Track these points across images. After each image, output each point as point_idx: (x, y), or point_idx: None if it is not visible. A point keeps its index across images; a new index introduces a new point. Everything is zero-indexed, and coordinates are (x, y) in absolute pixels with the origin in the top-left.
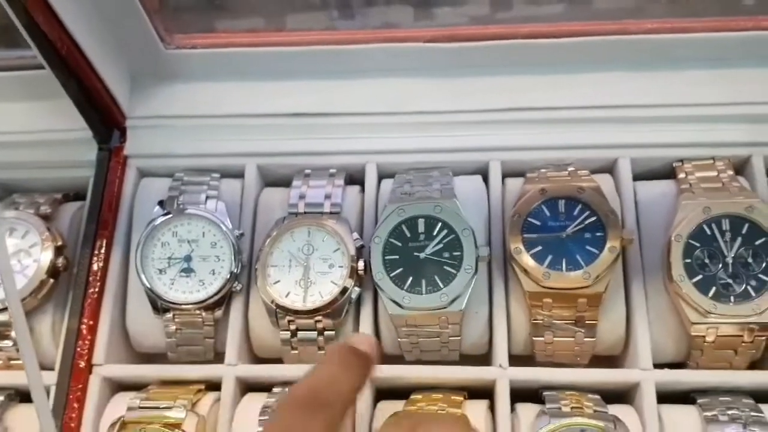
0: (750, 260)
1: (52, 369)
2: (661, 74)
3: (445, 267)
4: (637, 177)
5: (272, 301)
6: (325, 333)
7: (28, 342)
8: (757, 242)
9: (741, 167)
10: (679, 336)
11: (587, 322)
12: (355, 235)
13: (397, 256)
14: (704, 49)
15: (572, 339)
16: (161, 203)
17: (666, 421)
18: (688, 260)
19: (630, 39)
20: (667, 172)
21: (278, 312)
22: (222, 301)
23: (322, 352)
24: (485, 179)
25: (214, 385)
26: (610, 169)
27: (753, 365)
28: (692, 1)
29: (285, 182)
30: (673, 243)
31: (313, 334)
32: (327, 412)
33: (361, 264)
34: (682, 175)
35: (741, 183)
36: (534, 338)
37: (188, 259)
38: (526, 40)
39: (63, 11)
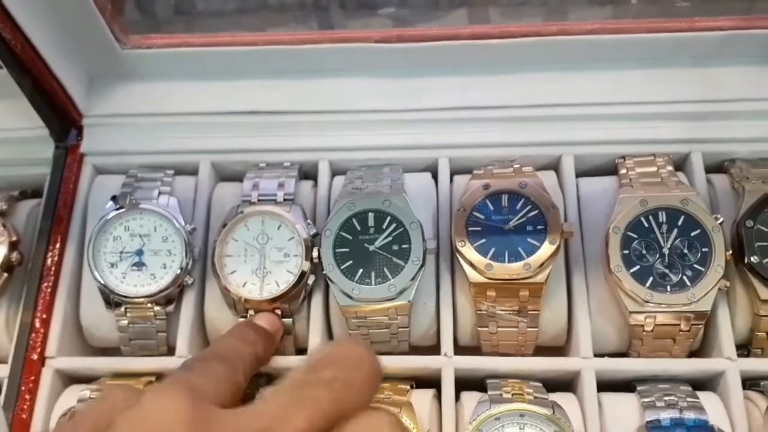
0: (686, 251)
1: (5, 362)
2: (603, 73)
3: (393, 259)
4: (582, 174)
5: (229, 292)
6: (284, 321)
7: None
8: (693, 234)
9: (681, 163)
10: (620, 326)
11: (530, 312)
12: (309, 221)
13: (347, 249)
14: (644, 49)
15: (516, 329)
16: (114, 198)
17: (606, 407)
18: (626, 251)
19: (572, 39)
20: (610, 169)
21: (236, 302)
22: (174, 294)
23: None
24: (434, 176)
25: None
26: (554, 165)
27: (693, 355)
28: (631, 3)
29: (239, 179)
30: (611, 235)
31: None
32: (225, 365)
33: (315, 252)
34: (623, 171)
35: (679, 178)
36: (479, 329)
37: (140, 253)
38: (470, 41)
39: (17, 11)
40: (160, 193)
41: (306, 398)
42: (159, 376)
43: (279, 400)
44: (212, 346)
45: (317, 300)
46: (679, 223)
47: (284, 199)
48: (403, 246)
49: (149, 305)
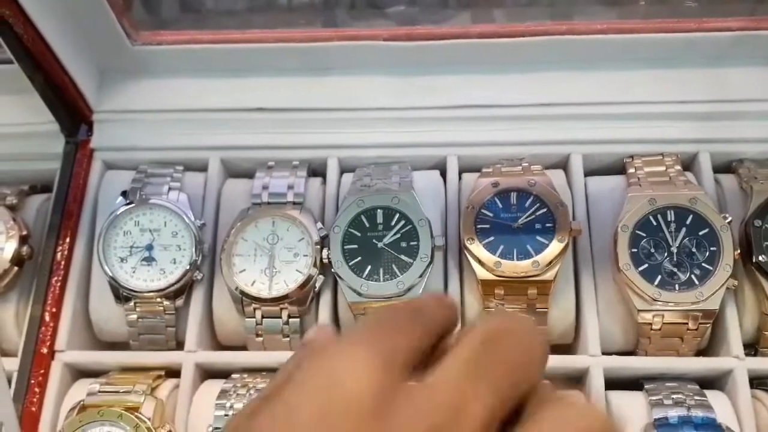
0: (694, 250)
1: (15, 356)
2: (612, 73)
3: (401, 256)
4: (590, 173)
5: (238, 290)
6: (290, 320)
7: None
8: (701, 233)
9: (689, 164)
10: (628, 325)
11: (538, 309)
12: (319, 224)
13: (355, 246)
14: (653, 49)
15: None
16: (124, 194)
17: (613, 405)
18: (635, 250)
19: (581, 39)
20: (618, 168)
21: (244, 300)
22: (183, 289)
23: (287, 339)
24: (443, 174)
25: (174, 373)
26: (563, 164)
27: (700, 354)
28: (639, 4)
29: (248, 175)
30: (620, 233)
31: (278, 321)
32: (420, 326)
33: (325, 253)
34: (631, 170)
35: (687, 177)
36: None
37: (150, 248)
38: (479, 40)
39: (29, 5)
40: (170, 189)
41: (481, 374)
42: (167, 370)
43: (458, 376)
44: (407, 302)
45: (325, 300)
46: (688, 222)
47: (294, 201)
48: (412, 243)
49: (158, 300)
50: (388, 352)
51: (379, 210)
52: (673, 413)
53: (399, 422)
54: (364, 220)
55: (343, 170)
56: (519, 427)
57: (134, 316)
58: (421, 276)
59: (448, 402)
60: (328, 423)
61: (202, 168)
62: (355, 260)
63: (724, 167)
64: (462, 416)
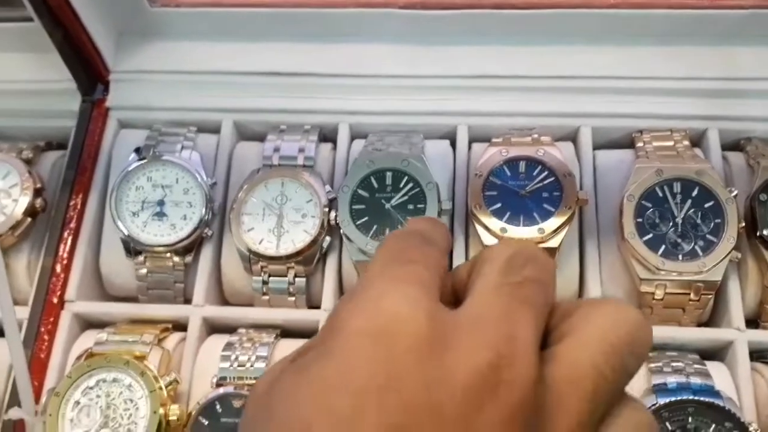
0: (699, 221)
1: (25, 305)
2: (624, 48)
3: (408, 218)
4: (599, 146)
5: (246, 248)
6: (297, 280)
7: (3, 276)
8: (706, 205)
9: (697, 140)
10: (630, 295)
11: None
12: (328, 187)
13: (363, 206)
14: (665, 25)
15: None
16: (138, 150)
17: None
18: (640, 219)
19: (594, 13)
20: (627, 143)
21: (251, 258)
22: (192, 245)
23: (293, 298)
24: (453, 144)
25: (181, 327)
26: (572, 137)
27: (702, 327)
28: None
29: (260, 139)
30: (626, 203)
31: (285, 280)
32: (438, 251)
33: (333, 214)
34: (640, 144)
35: (695, 153)
36: None
37: (161, 203)
38: (494, 10)
39: None
40: (183, 148)
41: (522, 298)
42: (175, 324)
43: (501, 301)
44: (408, 229)
45: (332, 261)
46: (694, 194)
47: (304, 164)
48: (419, 206)
49: (168, 255)
50: (424, 279)
51: (388, 172)
52: (672, 380)
53: (459, 355)
54: (374, 181)
55: (354, 136)
56: (553, 343)
57: (144, 271)
58: None
59: (501, 330)
60: (388, 361)
61: (215, 130)
62: (362, 220)
63: (732, 145)
64: (518, 343)
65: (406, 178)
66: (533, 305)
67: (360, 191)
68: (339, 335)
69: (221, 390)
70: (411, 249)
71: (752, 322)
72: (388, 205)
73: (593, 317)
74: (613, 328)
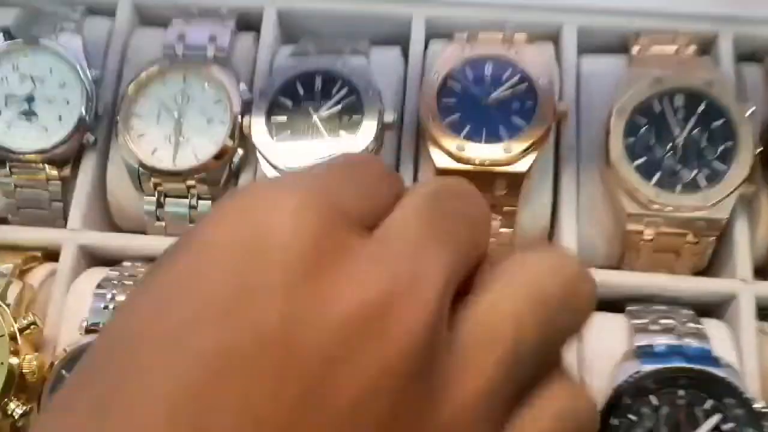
0: (704, 144)
1: None
2: None
3: (341, 132)
4: (585, 50)
5: (135, 159)
6: (200, 203)
7: None
8: (714, 124)
9: (706, 47)
10: (613, 234)
11: (505, 209)
12: (243, 86)
13: (284, 117)
14: None
15: None
16: (6, 32)
17: (592, 329)
18: (631, 139)
19: None
20: (620, 47)
21: (142, 173)
22: (70, 154)
23: (193, 225)
24: (405, 53)
25: (55, 256)
26: (554, 37)
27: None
28: None
29: (164, 25)
30: (615, 117)
31: (185, 203)
32: (371, 174)
33: (246, 121)
34: (635, 49)
35: (703, 60)
36: None
37: (30, 99)
38: None
39: None
40: (61, 29)
41: (439, 234)
42: (46, 252)
43: (411, 229)
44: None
45: (246, 179)
46: (699, 110)
47: (215, 55)
48: (355, 116)
49: (41, 165)
50: (332, 197)
51: (317, 75)
52: (661, 341)
53: (343, 287)
54: (299, 86)
55: (284, 27)
56: (474, 293)
57: (10, 184)
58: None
59: (404, 265)
60: (244, 274)
61: (110, 13)
62: (283, 133)
63: (747, 55)
64: (421, 282)
65: (340, 82)
66: (452, 244)
67: (282, 98)
68: (187, 246)
69: (92, 337)
70: (337, 168)
71: (761, 272)
72: (315, 116)
73: (526, 264)
74: (546, 275)
